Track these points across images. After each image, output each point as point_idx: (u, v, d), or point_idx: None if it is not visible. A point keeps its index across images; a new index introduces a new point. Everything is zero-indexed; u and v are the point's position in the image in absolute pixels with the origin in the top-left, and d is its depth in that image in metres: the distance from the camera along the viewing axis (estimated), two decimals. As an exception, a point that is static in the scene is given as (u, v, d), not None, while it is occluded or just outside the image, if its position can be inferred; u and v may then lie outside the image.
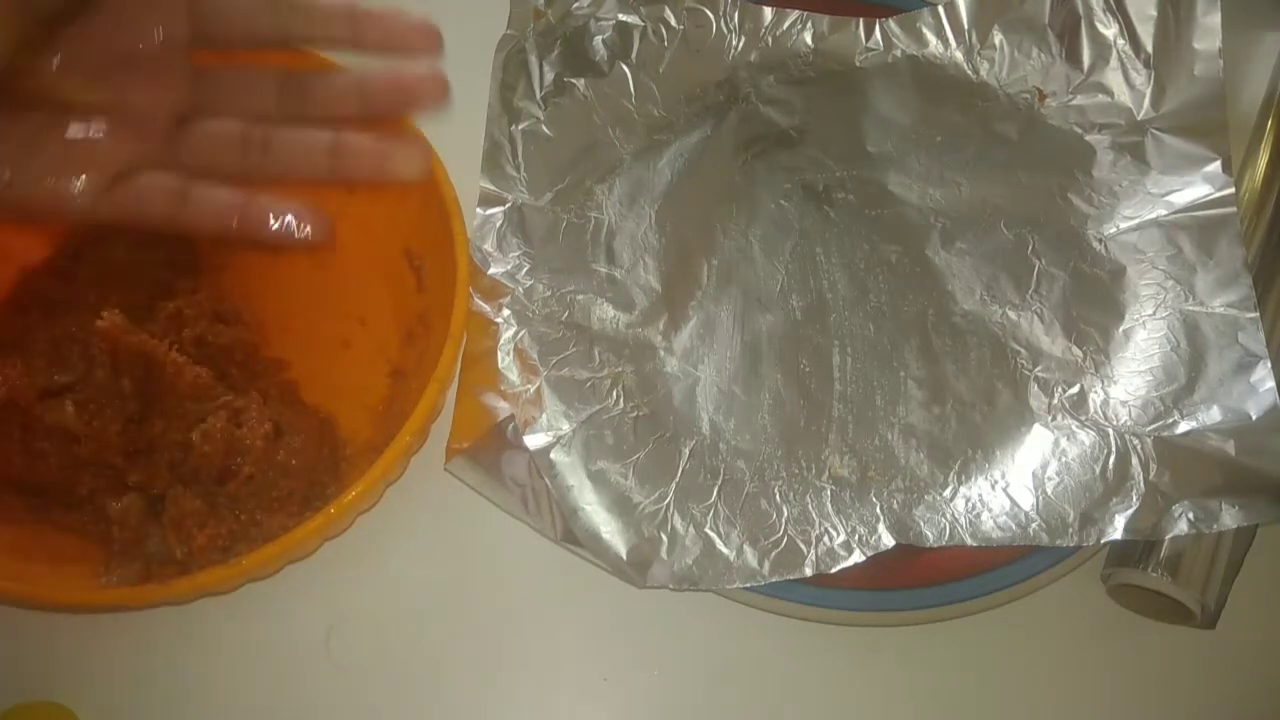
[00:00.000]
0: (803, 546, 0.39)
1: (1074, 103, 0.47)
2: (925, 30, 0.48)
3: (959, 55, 0.48)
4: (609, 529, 0.39)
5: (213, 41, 0.35)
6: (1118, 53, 0.46)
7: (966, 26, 0.48)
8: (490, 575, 0.41)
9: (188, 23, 0.34)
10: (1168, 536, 0.38)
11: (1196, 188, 0.44)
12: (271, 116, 0.36)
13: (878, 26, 0.49)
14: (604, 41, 0.48)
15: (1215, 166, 0.44)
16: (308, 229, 0.36)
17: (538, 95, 0.47)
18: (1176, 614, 0.39)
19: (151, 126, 0.34)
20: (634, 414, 0.41)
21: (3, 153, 0.33)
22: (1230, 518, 0.38)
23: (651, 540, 0.39)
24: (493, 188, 0.45)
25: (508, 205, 0.45)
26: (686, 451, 0.41)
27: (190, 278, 0.43)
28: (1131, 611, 0.41)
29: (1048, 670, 0.41)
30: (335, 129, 0.37)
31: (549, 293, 0.43)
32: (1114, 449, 0.40)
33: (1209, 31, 0.45)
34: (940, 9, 0.48)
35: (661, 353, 0.43)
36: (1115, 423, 0.41)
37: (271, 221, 0.36)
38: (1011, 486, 0.40)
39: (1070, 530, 0.39)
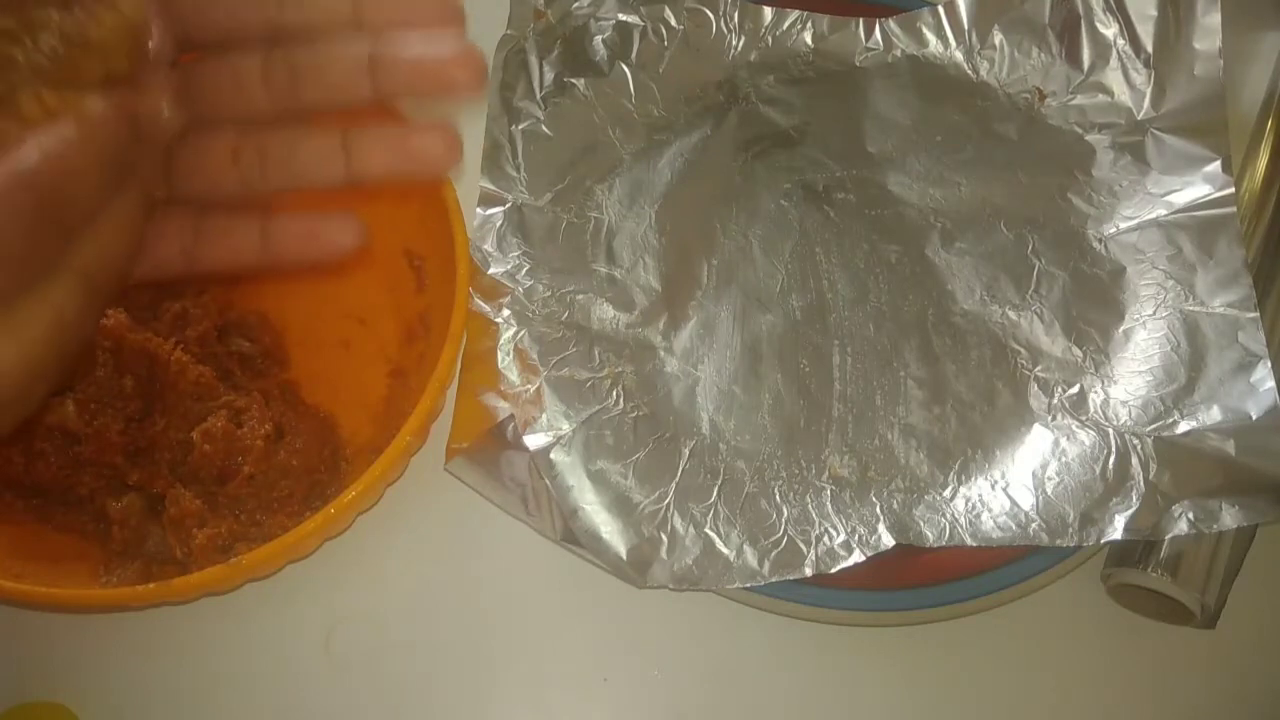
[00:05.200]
0: (803, 546, 0.39)
1: (1074, 103, 0.47)
2: (925, 30, 0.48)
3: (959, 55, 0.48)
4: (609, 529, 0.39)
5: (195, 45, 0.29)
6: (1118, 53, 0.46)
7: (966, 26, 0.48)
8: (490, 575, 0.41)
9: (168, 30, 0.28)
10: (1168, 536, 0.38)
11: (1196, 188, 0.44)
12: (262, 107, 0.29)
13: (878, 26, 0.49)
14: (604, 41, 0.48)
15: (1215, 166, 0.44)
16: (340, 240, 0.30)
17: (538, 95, 0.47)
18: (1176, 614, 0.39)
19: (143, 164, 0.28)
20: (634, 414, 0.41)
21: None
22: (1230, 518, 0.38)
23: (651, 540, 0.39)
24: (493, 188, 0.45)
25: (508, 205, 0.45)
26: (686, 451, 0.41)
27: (197, 279, 0.43)
28: (1131, 611, 0.41)
29: (1048, 670, 0.40)
30: (343, 124, 0.30)
31: (549, 293, 0.43)
32: (1114, 449, 0.40)
33: (1209, 31, 0.45)
34: (940, 9, 0.48)
35: (661, 353, 0.43)
36: (1115, 423, 0.41)
37: (298, 242, 0.30)
38: (1011, 486, 0.40)
39: (1070, 530, 0.39)
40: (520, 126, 0.46)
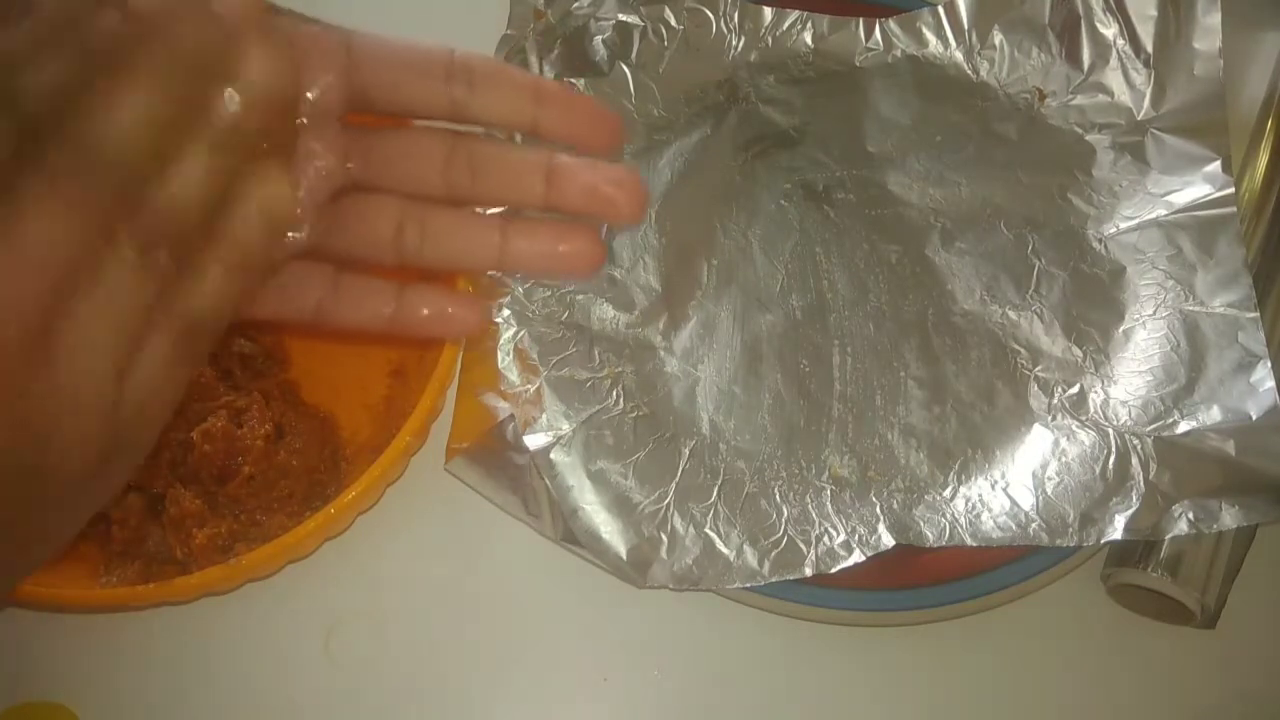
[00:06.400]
0: (803, 546, 0.39)
1: (1074, 103, 0.47)
2: (925, 30, 0.48)
3: (959, 55, 0.48)
4: (609, 529, 0.39)
5: (373, 108, 0.29)
6: (1118, 53, 0.46)
7: (966, 26, 0.48)
8: (490, 575, 0.41)
9: (344, 88, 0.28)
10: (1168, 536, 0.38)
11: (1196, 187, 0.44)
12: (435, 191, 0.30)
13: (878, 26, 0.49)
14: (604, 41, 0.48)
15: (1215, 166, 0.44)
16: (466, 322, 0.31)
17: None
18: (1176, 614, 0.39)
19: (301, 211, 0.28)
20: (634, 414, 0.41)
21: None
22: (1230, 518, 0.38)
23: (651, 540, 0.39)
24: (493, 188, 0.45)
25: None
26: (686, 451, 0.41)
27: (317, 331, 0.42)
28: (1131, 611, 0.41)
29: (1048, 670, 0.40)
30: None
31: (549, 293, 0.43)
32: (1114, 449, 0.40)
33: (1209, 31, 0.45)
34: (940, 9, 0.48)
35: (661, 353, 0.43)
36: (1115, 423, 0.41)
37: (426, 315, 0.31)
38: (1011, 486, 0.40)
39: (1070, 530, 0.39)
40: (520, 126, 0.46)
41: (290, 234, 0.27)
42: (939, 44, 0.48)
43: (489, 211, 0.31)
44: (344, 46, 0.28)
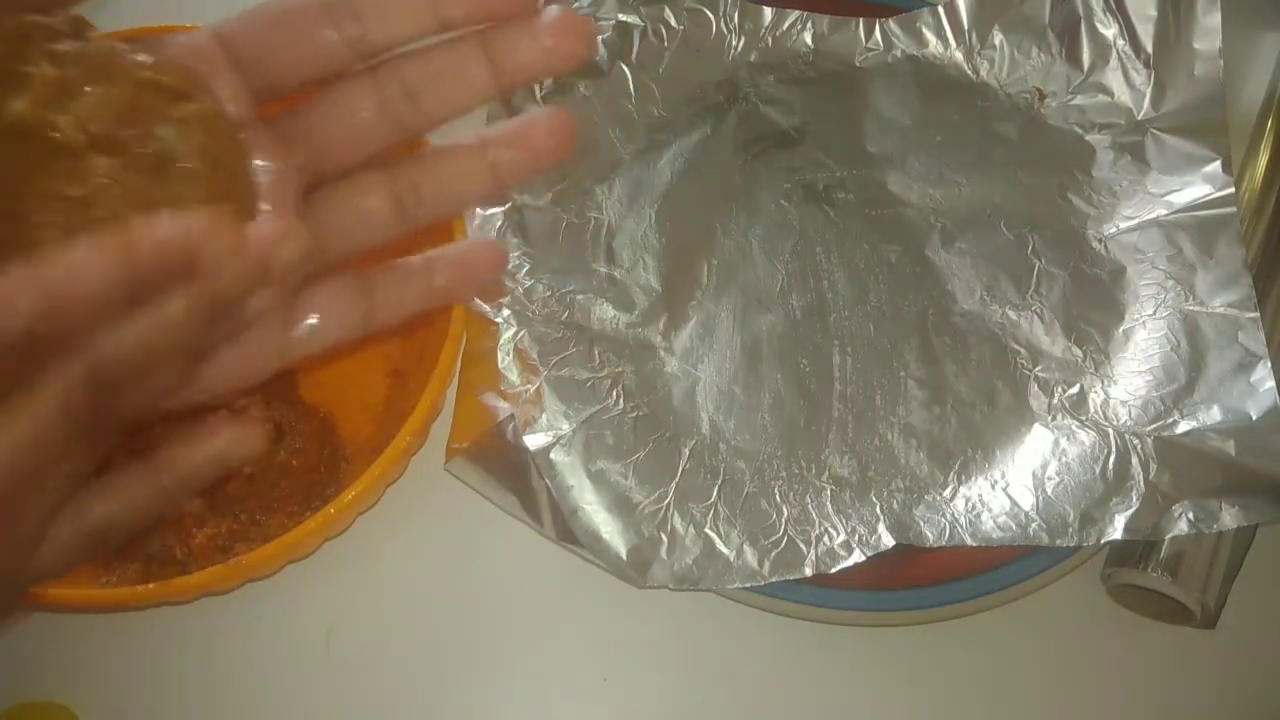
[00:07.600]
0: (803, 546, 0.39)
1: (1074, 103, 0.47)
2: (925, 30, 0.48)
3: (959, 55, 0.48)
4: (609, 529, 0.39)
5: (279, 90, 0.26)
6: (1118, 53, 0.46)
7: (966, 26, 0.48)
8: (490, 575, 0.41)
9: (240, 84, 0.25)
10: (1168, 536, 0.38)
11: (1196, 187, 0.44)
12: (387, 136, 0.27)
13: (878, 26, 0.49)
14: (604, 41, 0.48)
15: (1215, 166, 0.44)
16: (488, 269, 0.29)
17: (538, 95, 0.47)
18: (1176, 614, 0.39)
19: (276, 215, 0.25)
20: (634, 414, 0.41)
21: None
22: (1230, 518, 0.38)
23: (651, 540, 0.39)
24: (493, 188, 0.45)
25: (507, 205, 0.45)
26: (686, 451, 0.41)
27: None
28: (1131, 611, 0.41)
29: (1048, 670, 0.40)
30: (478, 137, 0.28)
31: (549, 293, 0.43)
32: (1114, 449, 0.40)
33: (1209, 31, 0.45)
34: (940, 9, 0.48)
35: (661, 353, 0.43)
36: (1115, 423, 0.41)
37: (456, 273, 0.29)
38: (1011, 486, 0.40)
39: (1070, 530, 0.39)
40: (520, 126, 0.46)
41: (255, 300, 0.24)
42: (939, 44, 0.48)
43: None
44: (217, 44, 0.25)
